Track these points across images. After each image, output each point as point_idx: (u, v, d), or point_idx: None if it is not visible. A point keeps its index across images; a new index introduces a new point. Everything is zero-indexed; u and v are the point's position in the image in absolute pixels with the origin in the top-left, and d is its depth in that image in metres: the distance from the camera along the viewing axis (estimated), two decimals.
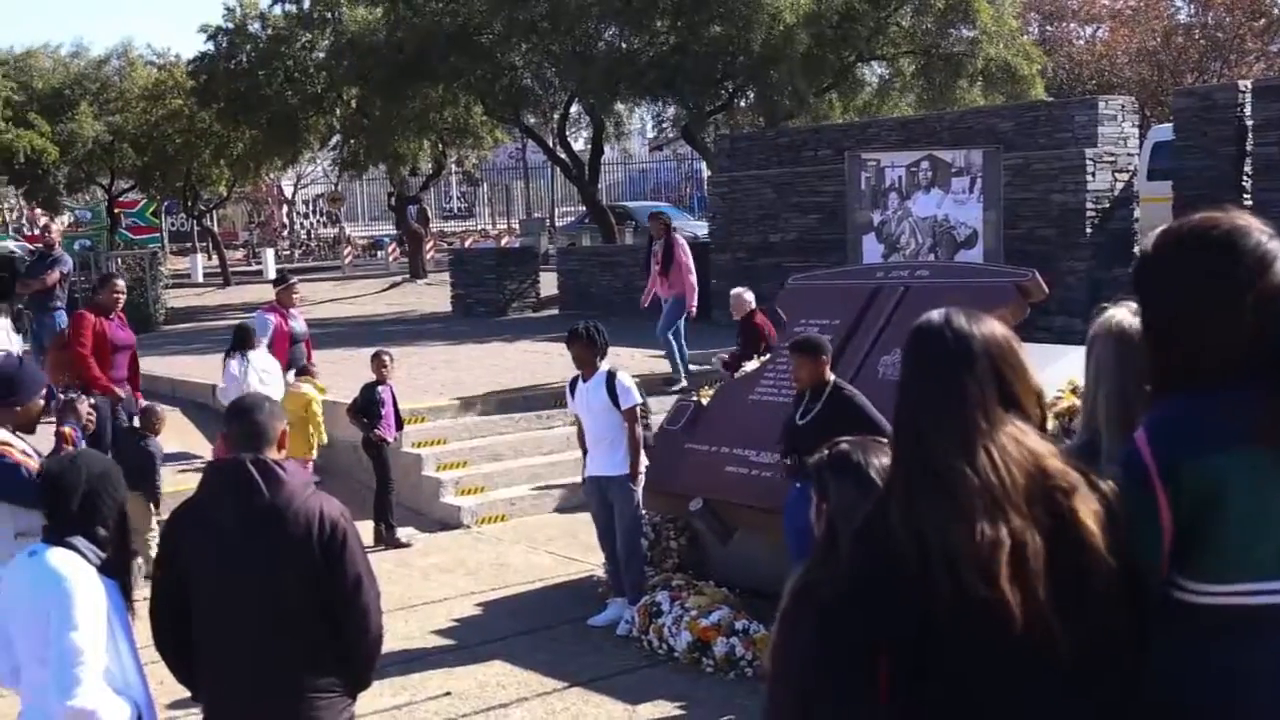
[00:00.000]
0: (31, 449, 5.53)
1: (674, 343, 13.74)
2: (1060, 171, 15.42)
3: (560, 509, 11.10)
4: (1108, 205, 15.43)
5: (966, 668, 2.36)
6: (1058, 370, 8.42)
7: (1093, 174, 15.30)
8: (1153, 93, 32.52)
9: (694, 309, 14.26)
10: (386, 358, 10.75)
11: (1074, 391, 7.75)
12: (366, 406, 10.53)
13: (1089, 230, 15.22)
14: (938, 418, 2.42)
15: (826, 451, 3.10)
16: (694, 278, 14.18)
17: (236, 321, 13.16)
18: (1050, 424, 7.18)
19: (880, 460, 3.02)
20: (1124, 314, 3.18)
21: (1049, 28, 37.69)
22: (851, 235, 16.17)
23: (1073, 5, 37.52)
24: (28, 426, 5.67)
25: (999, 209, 14.87)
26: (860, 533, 2.47)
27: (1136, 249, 15.57)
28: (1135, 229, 15.68)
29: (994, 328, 2.57)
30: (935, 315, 2.58)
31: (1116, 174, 15.59)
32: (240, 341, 10.93)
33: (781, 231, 18.37)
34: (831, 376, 6.84)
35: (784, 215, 18.37)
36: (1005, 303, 7.90)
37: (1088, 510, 2.34)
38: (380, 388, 10.59)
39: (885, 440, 3.05)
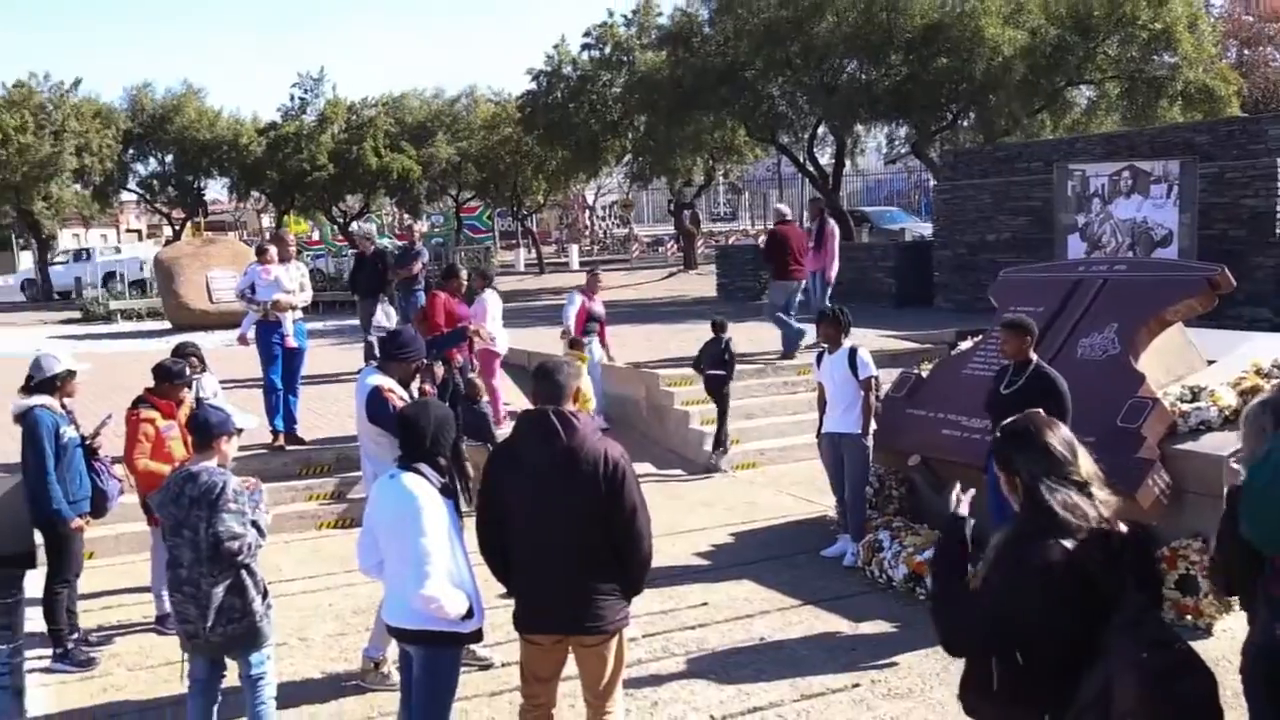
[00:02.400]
0: (407, 396, 5.90)
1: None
2: (1252, 179, 14.18)
3: (800, 459, 11.00)
4: None
5: None
6: (1244, 353, 7.86)
7: None
8: None
9: (831, 280, 13.51)
10: (726, 321, 11.18)
11: (1257, 372, 7.19)
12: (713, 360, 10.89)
13: (1278, 231, 13.95)
14: None
15: (1006, 427, 3.04)
16: (835, 258, 13.52)
17: (549, 301, 13.57)
18: (1234, 399, 6.71)
19: (1053, 434, 2.93)
20: None
21: (1246, 52, 34.60)
22: (1058, 235, 15.38)
23: (1269, 31, 34.34)
24: (407, 380, 6.07)
25: (1194, 212, 13.84)
26: None
27: None
28: None
29: None
30: None
31: None
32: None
33: (996, 232, 17.60)
34: (1034, 356, 6.52)
35: (998, 218, 17.59)
36: (1195, 294, 7.37)
37: None
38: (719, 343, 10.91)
39: (1053, 420, 3.00)
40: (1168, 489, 6.43)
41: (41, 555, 7.38)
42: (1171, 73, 21.29)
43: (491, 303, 11.53)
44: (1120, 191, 14.49)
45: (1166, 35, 20.51)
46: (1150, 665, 2.52)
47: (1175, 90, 21.35)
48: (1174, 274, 8.02)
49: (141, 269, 32.84)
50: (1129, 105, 22.49)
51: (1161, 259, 12.77)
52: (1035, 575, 2.73)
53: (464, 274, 11.02)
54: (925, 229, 26.71)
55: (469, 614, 4.23)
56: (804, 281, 13.09)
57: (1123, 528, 2.89)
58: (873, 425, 8.00)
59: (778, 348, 13.15)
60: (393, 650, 5.54)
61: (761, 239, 36.93)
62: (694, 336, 15.54)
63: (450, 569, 4.20)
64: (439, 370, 7.13)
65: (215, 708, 5.04)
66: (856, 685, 5.86)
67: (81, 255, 37.88)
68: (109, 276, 34.87)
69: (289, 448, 10.21)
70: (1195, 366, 7.76)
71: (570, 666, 4.43)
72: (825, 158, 28.14)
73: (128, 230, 64.79)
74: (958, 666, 3.20)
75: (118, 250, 40.62)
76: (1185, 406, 6.86)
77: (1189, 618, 6.25)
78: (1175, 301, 7.38)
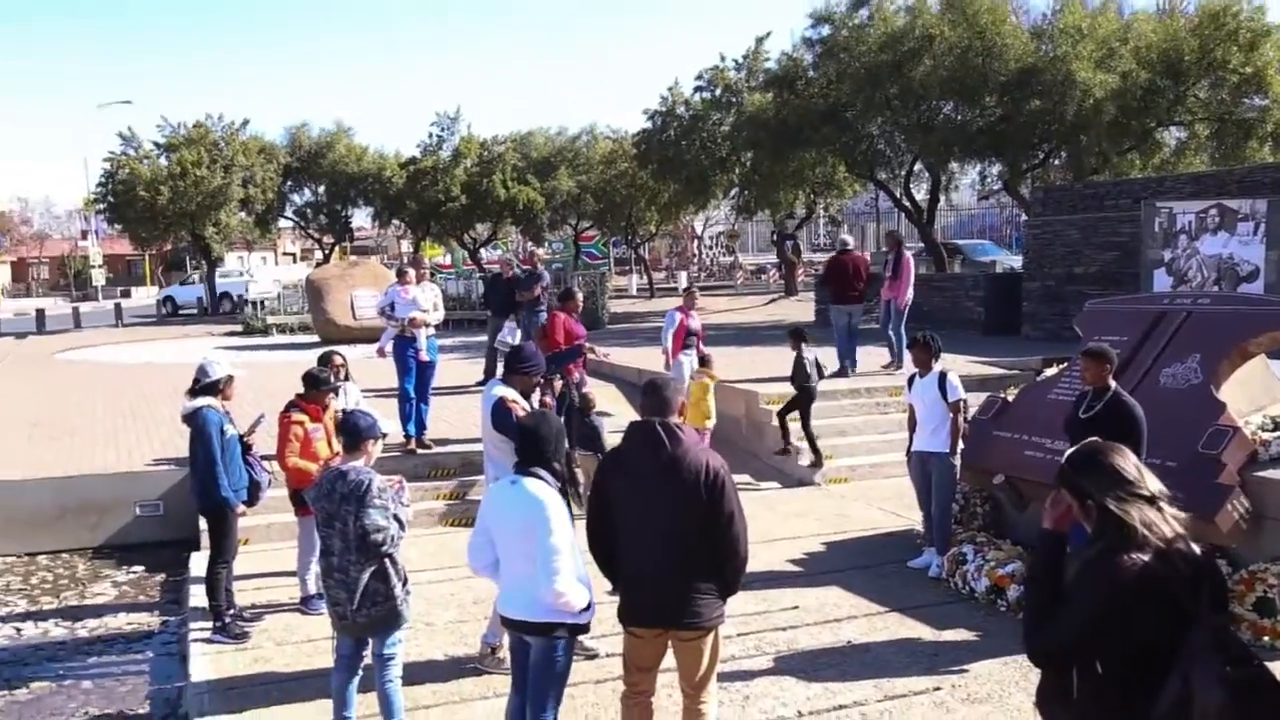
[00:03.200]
0: (529, 407, 6.03)
1: (894, 336, 13.26)
2: None
3: (890, 476, 10.86)
4: None
5: None
6: None
7: None
8: None
9: (904, 307, 13.42)
10: (806, 333, 11.29)
11: None
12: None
13: None
14: None
15: (1071, 455, 3.00)
16: (909, 287, 13.42)
17: (658, 324, 13.69)
18: None
19: (1118, 456, 2.89)
20: None
21: None
22: (1144, 270, 14.91)
23: None
24: (528, 392, 6.22)
25: None
26: None
27: None
28: None
29: None
30: None
31: None
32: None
33: (1084, 265, 17.12)
34: (1114, 383, 6.35)
35: (1086, 252, 17.12)
36: (1279, 327, 7.08)
37: None
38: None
39: (1115, 444, 2.96)
40: (1247, 514, 6.21)
41: (204, 540, 7.76)
42: (1261, 114, 20.46)
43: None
44: (1207, 228, 13.99)
45: (1258, 79, 19.72)
46: (1234, 680, 2.49)
47: (1265, 131, 20.51)
48: (1258, 307, 7.73)
49: (247, 290, 35.20)
50: (1218, 146, 21.65)
51: (1247, 294, 12.28)
52: (1115, 588, 2.69)
53: (580, 296, 11.16)
54: (1015, 262, 26.12)
55: (588, 606, 4.31)
56: (861, 306, 13.31)
57: (1197, 549, 2.84)
58: (960, 445, 7.89)
59: (870, 369, 13.05)
60: (506, 637, 5.66)
61: None
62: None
63: (572, 565, 4.28)
64: (558, 384, 7.29)
65: (355, 681, 5.24)
66: (937, 689, 5.78)
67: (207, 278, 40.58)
68: (223, 296, 37.92)
69: (420, 451, 10.51)
70: (1277, 397, 7.46)
71: (668, 659, 4.49)
72: (921, 193, 27.77)
73: (284, 253, 67.36)
74: (1035, 674, 3.16)
75: (241, 274, 43.22)
76: (1267, 435, 6.61)
77: (1266, 639, 6.01)
78: (1258, 334, 7.12)
